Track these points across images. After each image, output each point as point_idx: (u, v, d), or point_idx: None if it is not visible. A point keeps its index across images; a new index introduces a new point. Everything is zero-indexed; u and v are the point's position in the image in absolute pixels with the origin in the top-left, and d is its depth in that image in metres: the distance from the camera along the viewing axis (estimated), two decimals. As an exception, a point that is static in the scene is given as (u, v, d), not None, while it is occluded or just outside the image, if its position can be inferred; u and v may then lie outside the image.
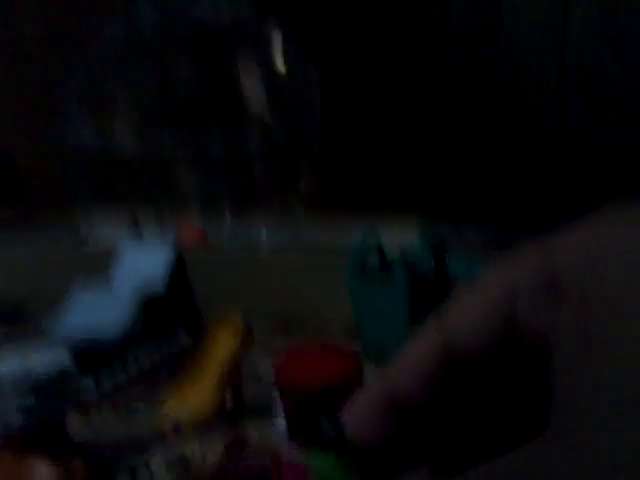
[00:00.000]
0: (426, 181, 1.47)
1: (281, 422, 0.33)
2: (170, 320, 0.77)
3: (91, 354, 0.61)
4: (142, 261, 0.76)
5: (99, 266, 0.82)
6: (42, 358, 0.44)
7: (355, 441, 0.20)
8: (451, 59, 1.68)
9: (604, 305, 0.17)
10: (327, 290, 0.77)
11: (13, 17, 1.33)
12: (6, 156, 1.33)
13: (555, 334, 0.18)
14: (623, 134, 1.43)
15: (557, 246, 0.19)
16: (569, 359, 0.17)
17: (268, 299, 0.78)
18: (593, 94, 1.50)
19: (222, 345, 0.54)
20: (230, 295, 0.79)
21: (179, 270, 0.77)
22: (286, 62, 1.07)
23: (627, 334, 0.16)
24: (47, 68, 1.30)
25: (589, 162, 1.46)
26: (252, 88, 1.07)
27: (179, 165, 1.07)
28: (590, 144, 1.48)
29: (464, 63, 1.69)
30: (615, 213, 0.19)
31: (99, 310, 0.68)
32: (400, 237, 0.93)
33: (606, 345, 0.16)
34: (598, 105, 1.48)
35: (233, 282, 0.79)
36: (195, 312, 0.79)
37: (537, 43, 1.48)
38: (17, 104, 1.34)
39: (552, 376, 0.17)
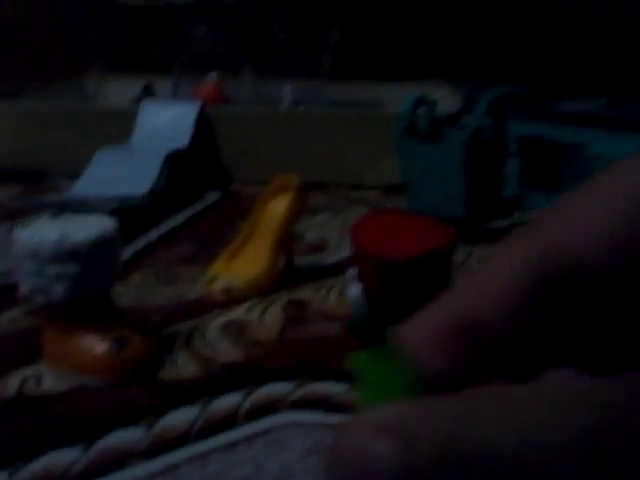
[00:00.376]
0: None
1: (356, 288, 0.28)
2: (196, 175, 0.71)
3: (121, 212, 0.56)
4: (163, 117, 0.70)
5: (115, 124, 0.76)
6: (80, 221, 0.38)
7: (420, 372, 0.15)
8: None
9: None
10: (361, 147, 0.71)
11: None
12: (9, 14, 1.24)
13: None
14: None
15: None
16: None
17: (298, 158, 0.73)
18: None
19: (273, 205, 0.49)
20: (257, 154, 0.73)
21: (202, 124, 0.71)
22: None
23: None
24: None
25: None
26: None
27: (193, 17, 0.98)
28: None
29: None
30: None
31: (123, 168, 0.63)
32: (433, 96, 0.87)
33: None
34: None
35: (258, 140, 0.73)
36: (221, 167, 0.73)
37: None
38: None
39: None
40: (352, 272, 0.26)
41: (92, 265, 0.37)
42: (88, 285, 0.37)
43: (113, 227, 0.38)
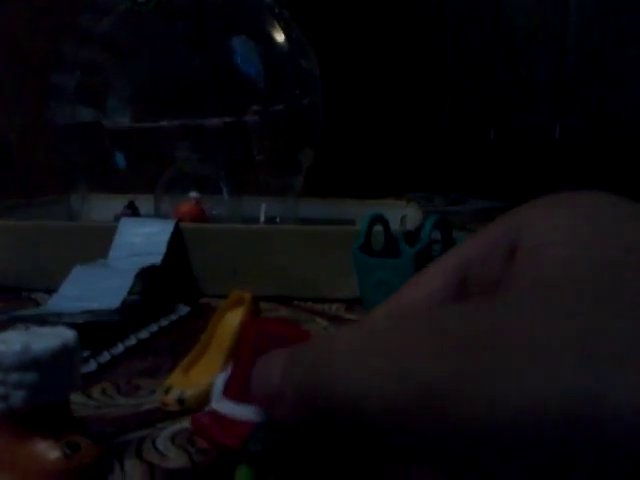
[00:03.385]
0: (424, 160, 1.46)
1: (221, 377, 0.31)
2: (168, 291, 0.75)
3: (89, 327, 0.59)
4: (140, 233, 0.74)
5: (93, 240, 0.80)
6: (44, 333, 0.41)
7: None
8: (449, 55, 1.66)
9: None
10: (328, 262, 0.75)
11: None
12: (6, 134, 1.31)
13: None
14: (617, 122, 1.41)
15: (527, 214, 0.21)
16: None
17: (268, 272, 0.77)
18: (592, 82, 1.49)
19: (228, 318, 0.52)
20: (229, 268, 0.77)
21: (176, 241, 0.75)
22: (287, 39, 1.05)
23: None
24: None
25: (585, 147, 1.44)
26: (251, 62, 1.05)
27: (177, 140, 1.05)
28: (587, 137, 1.47)
29: (461, 63, 1.67)
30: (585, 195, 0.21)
31: (97, 283, 0.66)
32: (401, 213, 0.92)
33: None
34: (596, 91, 1.47)
35: (232, 255, 0.78)
36: (192, 283, 0.77)
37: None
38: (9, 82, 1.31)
39: None
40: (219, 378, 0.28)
41: (51, 374, 0.40)
42: (46, 393, 0.40)
43: (73, 338, 0.41)
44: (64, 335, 0.42)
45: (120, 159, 1.06)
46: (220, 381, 0.29)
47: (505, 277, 0.21)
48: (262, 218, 0.97)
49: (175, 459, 0.42)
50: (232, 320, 0.52)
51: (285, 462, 0.26)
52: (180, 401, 0.47)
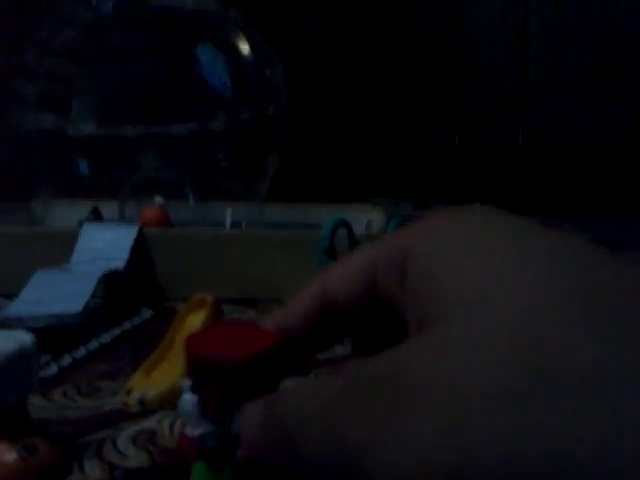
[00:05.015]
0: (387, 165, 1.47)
1: (190, 398, 0.30)
2: (131, 296, 0.75)
3: (51, 331, 0.59)
4: (102, 238, 0.74)
5: (56, 246, 0.80)
6: (1, 337, 0.41)
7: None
8: (414, 62, 1.68)
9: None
10: (294, 266, 0.76)
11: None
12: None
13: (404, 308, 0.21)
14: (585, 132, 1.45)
15: (415, 230, 0.22)
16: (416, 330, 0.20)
17: (234, 276, 0.77)
18: (554, 93, 1.52)
19: (190, 320, 0.52)
20: (195, 272, 0.77)
21: (140, 246, 0.75)
22: (252, 49, 1.06)
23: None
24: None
25: (551, 161, 1.47)
26: (217, 71, 1.06)
27: (142, 147, 1.04)
28: (550, 146, 1.50)
29: (427, 67, 1.69)
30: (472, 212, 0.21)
31: (59, 287, 0.66)
32: (366, 217, 0.93)
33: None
34: (558, 102, 1.50)
35: (197, 259, 0.78)
36: (156, 288, 0.77)
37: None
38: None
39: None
40: (186, 383, 0.28)
41: (7, 376, 0.40)
42: (2, 395, 0.39)
43: (30, 342, 0.41)
44: (21, 339, 0.41)
45: (84, 166, 1.05)
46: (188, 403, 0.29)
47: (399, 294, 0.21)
48: (228, 223, 0.98)
49: (135, 458, 0.41)
50: (194, 322, 0.52)
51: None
52: (141, 402, 0.47)
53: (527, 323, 0.16)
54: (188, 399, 0.29)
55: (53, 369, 0.55)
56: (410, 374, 0.17)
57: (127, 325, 0.67)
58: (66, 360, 0.56)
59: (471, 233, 0.20)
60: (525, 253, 0.18)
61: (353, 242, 0.70)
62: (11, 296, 0.69)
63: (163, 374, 0.50)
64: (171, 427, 0.45)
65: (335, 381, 0.20)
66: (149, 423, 0.46)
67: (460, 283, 0.18)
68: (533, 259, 0.18)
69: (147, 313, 0.72)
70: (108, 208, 1.00)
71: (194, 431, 0.29)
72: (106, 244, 0.76)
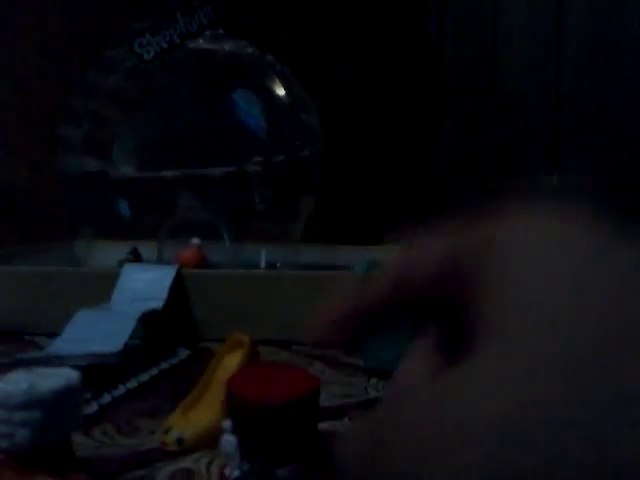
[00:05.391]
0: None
1: (230, 438, 0.31)
2: (169, 335, 0.76)
3: (92, 369, 0.61)
4: (142, 279, 0.76)
5: (97, 286, 0.82)
6: (48, 374, 0.43)
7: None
8: (447, 103, 1.70)
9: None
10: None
11: (14, 43, 1.35)
12: (6, 182, 1.34)
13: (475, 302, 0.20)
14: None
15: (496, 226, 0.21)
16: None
17: (268, 317, 0.78)
18: (586, 123, 1.52)
19: (227, 361, 0.53)
20: (230, 313, 0.78)
21: (178, 287, 0.77)
22: (288, 93, 1.09)
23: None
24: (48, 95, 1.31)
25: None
26: (253, 115, 1.08)
27: (180, 189, 1.07)
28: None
29: (460, 109, 1.71)
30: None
31: (99, 326, 0.68)
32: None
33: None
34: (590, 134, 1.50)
35: (232, 300, 0.79)
36: (193, 328, 0.79)
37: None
38: (18, 132, 1.35)
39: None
40: (227, 424, 0.28)
41: (54, 413, 0.41)
42: (49, 431, 0.41)
43: (76, 379, 0.43)
44: (68, 376, 0.43)
45: (124, 207, 1.08)
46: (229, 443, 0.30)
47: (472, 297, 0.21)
48: (263, 264, 0.99)
49: (173, 497, 0.42)
50: (231, 362, 0.53)
51: None
52: (179, 441, 0.48)
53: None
54: (229, 440, 0.29)
55: (93, 407, 0.56)
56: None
57: (165, 365, 0.68)
58: (106, 398, 0.58)
59: (552, 242, 0.19)
60: (605, 275, 0.17)
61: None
62: (53, 335, 0.71)
63: (201, 414, 0.51)
64: (208, 467, 0.46)
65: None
66: (186, 462, 0.47)
67: (532, 302, 0.18)
68: (615, 281, 0.17)
69: (184, 353, 0.73)
70: (147, 248, 1.03)
71: (234, 472, 0.30)
72: (145, 284, 0.78)
